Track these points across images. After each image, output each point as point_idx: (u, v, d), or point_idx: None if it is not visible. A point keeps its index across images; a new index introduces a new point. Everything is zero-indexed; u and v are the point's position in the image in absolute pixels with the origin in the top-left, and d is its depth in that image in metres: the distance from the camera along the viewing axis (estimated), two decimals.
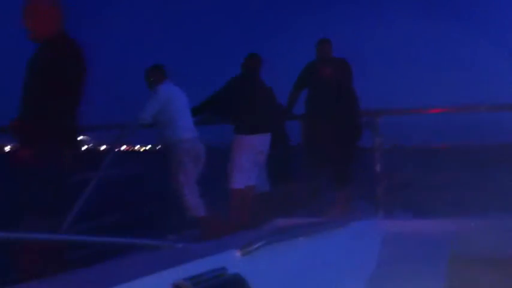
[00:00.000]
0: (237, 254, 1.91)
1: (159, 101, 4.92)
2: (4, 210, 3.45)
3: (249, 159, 5.05)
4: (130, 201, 5.70)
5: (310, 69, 5.53)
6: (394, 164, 5.51)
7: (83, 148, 4.74)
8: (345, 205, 5.04)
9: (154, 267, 1.58)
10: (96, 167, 4.62)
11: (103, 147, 5.98)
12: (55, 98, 3.15)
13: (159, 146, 5.26)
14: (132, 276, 1.48)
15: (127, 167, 5.35)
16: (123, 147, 5.23)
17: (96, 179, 4.54)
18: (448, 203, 5.08)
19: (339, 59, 5.43)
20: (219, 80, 5.52)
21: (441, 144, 6.01)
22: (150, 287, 1.50)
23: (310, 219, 3.81)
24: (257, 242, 1.99)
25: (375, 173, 5.02)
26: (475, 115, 5.53)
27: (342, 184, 5.17)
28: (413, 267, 3.42)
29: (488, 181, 5.30)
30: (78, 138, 3.55)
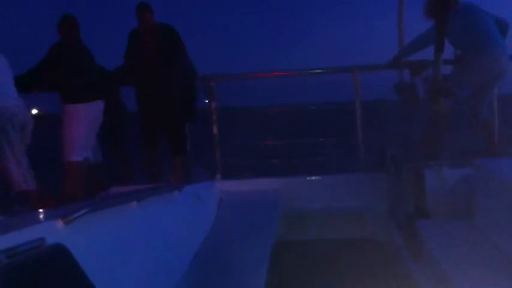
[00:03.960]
0: (59, 223, 1.81)
1: None
2: None
3: (84, 130, 4.81)
4: None
5: (133, 36, 5.35)
6: (231, 127, 5.63)
7: None
8: (183, 170, 5.04)
9: None
10: None
11: None
12: None
13: None
14: None
15: None
16: None
17: None
18: (280, 162, 5.34)
19: (162, 24, 5.30)
20: None
21: (277, 107, 6.24)
22: None
23: (146, 185, 3.76)
24: (81, 210, 1.91)
25: (212, 137, 5.08)
26: (312, 78, 5.74)
27: (178, 150, 5.16)
28: (248, 224, 3.58)
29: (315, 144, 5.65)
30: None
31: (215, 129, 5.01)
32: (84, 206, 2.00)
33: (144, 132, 5.25)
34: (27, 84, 4.91)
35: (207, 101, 5.12)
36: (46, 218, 1.87)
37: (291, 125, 6.56)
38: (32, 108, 4.99)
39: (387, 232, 3.92)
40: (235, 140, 5.86)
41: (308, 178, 4.52)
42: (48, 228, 1.74)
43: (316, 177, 4.52)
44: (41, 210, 2.33)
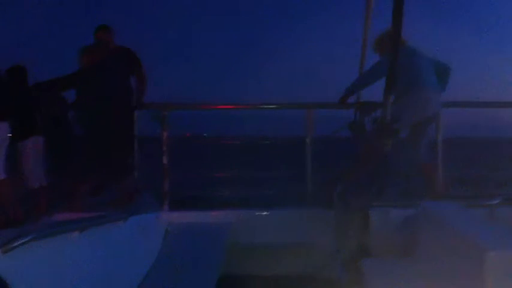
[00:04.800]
0: None
1: None
2: None
3: None
4: None
5: (82, 54, 5.33)
6: (183, 156, 5.59)
7: None
8: (129, 198, 4.95)
9: None
10: None
11: None
12: None
13: None
14: None
15: None
16: None
17: None
18: (229, 195, 5.33)
19: (120, 47, 5.29)
20: None
21: (232, 138, 6.25)
22: None
23: (90, 213, 3.67)
24: (21, 239, 1.84)
25: (161, 166, 5.02)
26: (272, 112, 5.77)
27: (122, 176, 5.07)
28: (193, 256, 3.54)
29: (265, 177, 5.68)
30: None
31: (165, 159, 4.96)
32: (24, 234, 1.94)
33: (92, 155, 5.14)
34: None
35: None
36: None
37: (243, 157, 6.58)
38: None
39: (332, 269, 3.95)
40: (185, 170, 5.80)
41: (257, 212, 4.52)
42: None
43: (265, 211, 4.53)
44: None
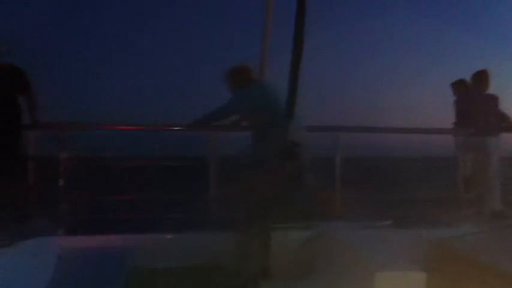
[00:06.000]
0: None
1: None
2: None
3: None
4: None
5: None
6: (81, 179, 5.39)
7: None
8: (19, 222, 4.69)
9: None
10: None
11: None
12: None
13: None
14: None
15: None
16: None
17: None
18: (130, 218, 5.19)
19: (4, 66, 5.10)
20: None
21: (135, 159, 6.10)
22: None
23: None
24: None
25: (58, 189, 4.82)
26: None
27: (11, 200, 4.82)
28: (89, 283, 3.40)
29: (166, 200, 5.59)
30: None
31: (61, 181, 4.77)
32: None
33: None
34: None
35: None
36: None
37: (146, 179, 6.43)
38: None
39: None
40: (84, 192, 5.59)
41: (158, 236, 4.44)
42: None
43: (166, 235, 4.46)
44: None
